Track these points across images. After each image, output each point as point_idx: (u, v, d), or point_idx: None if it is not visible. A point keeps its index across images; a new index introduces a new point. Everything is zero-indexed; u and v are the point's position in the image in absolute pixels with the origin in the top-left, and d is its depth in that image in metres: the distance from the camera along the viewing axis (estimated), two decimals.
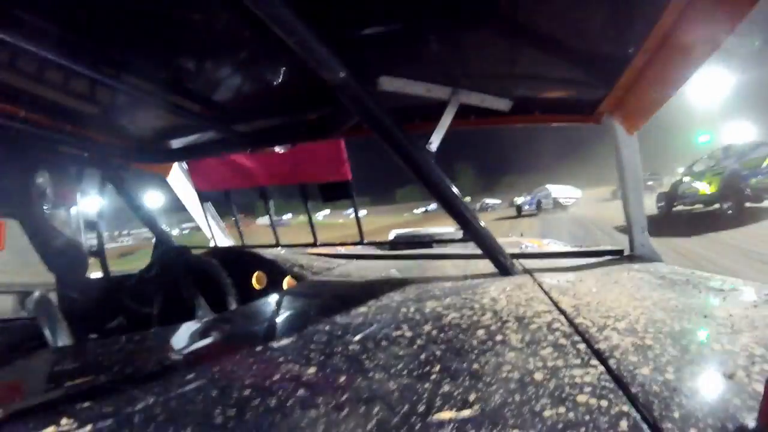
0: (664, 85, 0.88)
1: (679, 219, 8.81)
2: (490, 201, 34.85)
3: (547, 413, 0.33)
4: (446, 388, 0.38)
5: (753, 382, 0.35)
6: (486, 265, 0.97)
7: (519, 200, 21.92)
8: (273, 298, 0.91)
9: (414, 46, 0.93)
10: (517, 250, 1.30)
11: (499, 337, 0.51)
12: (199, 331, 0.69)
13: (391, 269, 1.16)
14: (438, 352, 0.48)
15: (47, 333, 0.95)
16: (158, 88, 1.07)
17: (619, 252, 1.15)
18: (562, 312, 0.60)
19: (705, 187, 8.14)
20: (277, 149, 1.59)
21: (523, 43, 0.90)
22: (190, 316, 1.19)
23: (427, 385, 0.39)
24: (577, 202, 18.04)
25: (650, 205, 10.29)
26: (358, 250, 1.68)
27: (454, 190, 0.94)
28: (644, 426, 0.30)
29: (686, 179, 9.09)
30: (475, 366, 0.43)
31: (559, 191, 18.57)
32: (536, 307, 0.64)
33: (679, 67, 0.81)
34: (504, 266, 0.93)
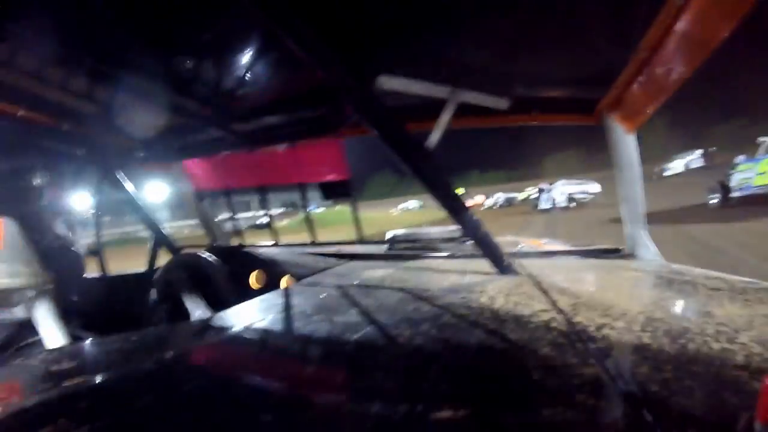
0: (662, 85, 0.88)
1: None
2: (510, 195, 25.85)
3: (545, 413, 0.33)
4: (445, 387, 0.38)
5: (752, 382, 0.35)
6: (484, 265, 0.97)
7: (535, 195, 17.92)
8: (271, 298, 0.91)
9: (413, 45, 0.93)
10: (515, 250, 1.30)
11: (497, 337, 0.51)
12: (197, 331, 0.69)
13: (390, 268, 1.16)
14: (436, 352, 0.48)
15: (45, 333, 0.95)
16: (158, 88, 1.07)
17: (618, 251, 1.15)
18: (561, 311, 0.60)
19: (761, 176, 6.32)
20: (277, 149, 1.60)
21: (522, 42, 0.90)
22: (188, 315, 1.19)
23: (425, 385, 0.39)
24: (596, 198, 14.79)
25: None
26: (357, 249, 1.68)
27: (453, 189, 0.94)
28: (644, 426, 0.30)
29: (740, 166, 7.11)
30: (474, 366, 0.43)
31: (572, 187, 16.03)
32: (534, 306, 0.64)
33: (676, 67, 0.81)
34: (502, 265, 0.93)
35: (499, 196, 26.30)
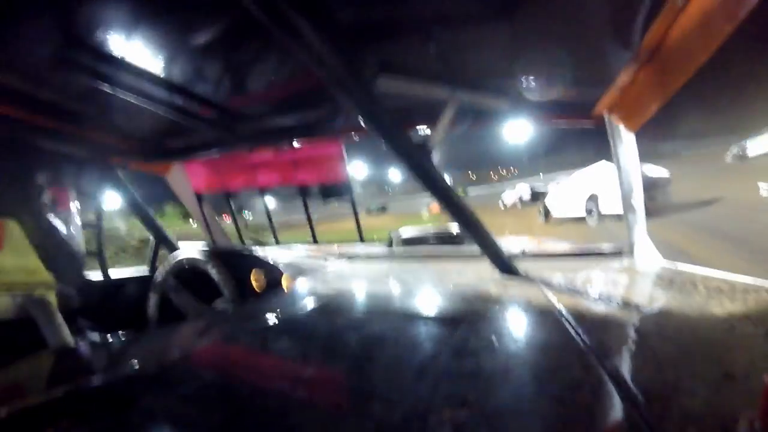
0: (662, 85, 0.88)
1: None
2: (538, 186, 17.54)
3: (545, 413, 0.33)
4: (445, 387, 0.38)
5: (752, 382, 0.35)
6: (486, 265, 0.97)
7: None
8: (272, 298, 0.91)
9: (413, 45, 0.93)
10: (516, 250, 1.30)
11: (497, 337, 0.51)
12: (198, 331, 0.69)
13: (390, 269, 1.16)
14: (437, 352, 0.48)
15: (47, 334, 0.95)
16: (158, 88, 1.07)
17: (619, 252, 1.15)
18: (561, 312, 0.60)
19: None
20: (277, 150, 1.60)
21: (522, 43, 0.90)
22: (188, 316, 1.19)
23: (425, 385, 0.39)
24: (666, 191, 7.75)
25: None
26: (357, 249, 1.68)
27: (454, 189, 0.94)
28: (644, 426, 0.30)
29: None
30: (474, 365, 0.43)
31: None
32: (535, 306, 0.64)
33: (677, 68, 0.81)
34: (503, 266, 0.93)
35: (522, 189, 17.87)
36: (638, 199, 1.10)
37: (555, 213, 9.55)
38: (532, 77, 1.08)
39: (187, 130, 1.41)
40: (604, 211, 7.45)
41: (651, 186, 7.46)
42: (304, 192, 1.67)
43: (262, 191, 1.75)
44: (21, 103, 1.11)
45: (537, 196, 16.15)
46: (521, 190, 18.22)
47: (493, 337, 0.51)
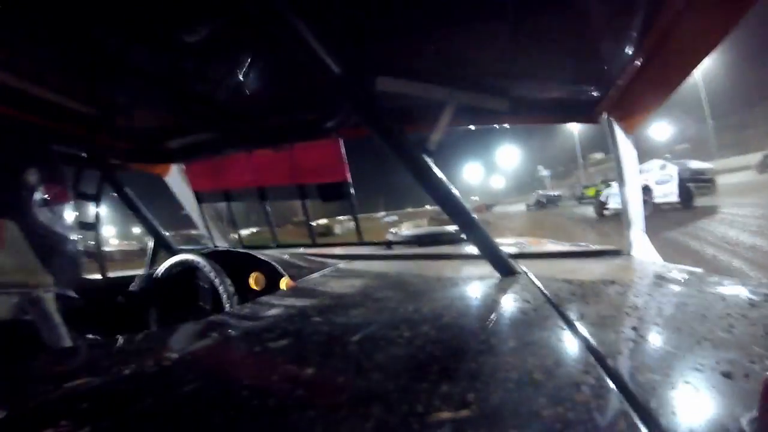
0: (662, 86, 0.88)
1: None
2: (553, 193, 23.29)
3: (545, 413, 0.33)
4: (444, 388, 0.38)
5: (752, 382, 0.35)
6: (485, 266, 0.97)
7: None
8: (271, 299, 0.91)
9: (412, 46, 0.93)
10: (515, 251, 1.30)
11: (497, 337, 0.51)
12: (197, 332, 0.69)
13: (390, 269, 1.16)
14: (436, 353, 0.48)
15: (46, 334, 0.95)
16: (158, 88, 1.07)
17: (618, 252, 1.15)
18: (560, 312, 0.60)
19: None
20: (277, 149, 1.60)
21: (521, 43, 0.90)
22: (188, 317, 1.18)
23: (425, 386, 0.39)
24: (709, 184, 8.82)
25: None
26: (357, 250, 1.68)
27: (453, 189, 0.94)
28: (643, 426, 0.30)
29: None
30: (474, 366, 0.43)
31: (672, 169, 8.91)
32: (535, 306, 0.64)
33: (676, 68, 0.81)
34: (503, 266, 0.93)
35: (539, 195, 22.69)
36: (637, 199, 1.10)
37: (611, 205, 10.94)
38: (531, 77, 1.08)
39: (187, 130, 1.41)
40: (657, 200, 9.22)
41: (693, 178, 8.94)
42: (303, 192, 1.67)
43: (262, 191, 1.76)
44: (21, 103, 1.11)
45: (553, 200, 22.16)
46: (538, 196, 23.30)
47: (493, 338, 0.51)
